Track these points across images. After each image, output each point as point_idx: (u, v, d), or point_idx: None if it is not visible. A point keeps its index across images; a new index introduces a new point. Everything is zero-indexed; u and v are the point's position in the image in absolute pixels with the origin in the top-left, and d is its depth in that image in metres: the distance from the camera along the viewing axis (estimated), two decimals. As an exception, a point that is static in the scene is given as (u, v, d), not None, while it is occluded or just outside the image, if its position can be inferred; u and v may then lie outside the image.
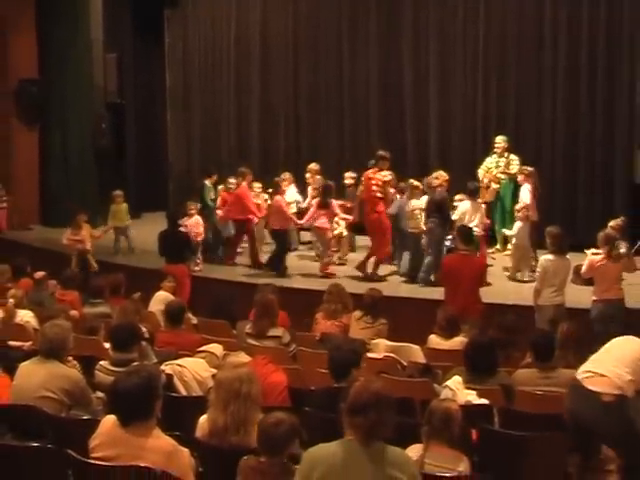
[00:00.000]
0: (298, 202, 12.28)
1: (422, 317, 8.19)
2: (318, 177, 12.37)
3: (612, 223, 9.19)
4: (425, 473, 3.97)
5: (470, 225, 9.79)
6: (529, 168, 10.99)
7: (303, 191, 12.57)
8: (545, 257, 8.29)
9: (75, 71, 14.68)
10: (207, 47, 16.12)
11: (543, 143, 12.79)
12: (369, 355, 6.31)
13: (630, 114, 12.13)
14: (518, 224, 10.48)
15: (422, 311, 8.86)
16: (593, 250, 8.25)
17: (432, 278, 10.16)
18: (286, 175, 12.18)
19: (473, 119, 13.43)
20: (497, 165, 11.55)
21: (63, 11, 14.52)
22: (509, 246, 11.00)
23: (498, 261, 11.33)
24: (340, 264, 11.53)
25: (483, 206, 10.97)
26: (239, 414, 4.20)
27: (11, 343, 6.54)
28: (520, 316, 7.92)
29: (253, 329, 6.76)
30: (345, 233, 11.82)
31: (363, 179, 11.08)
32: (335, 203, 11.07)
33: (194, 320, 8.07)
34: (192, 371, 5.56)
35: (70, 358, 5.36)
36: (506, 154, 11.53)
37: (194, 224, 11.42)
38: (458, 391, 5.28)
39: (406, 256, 10.88)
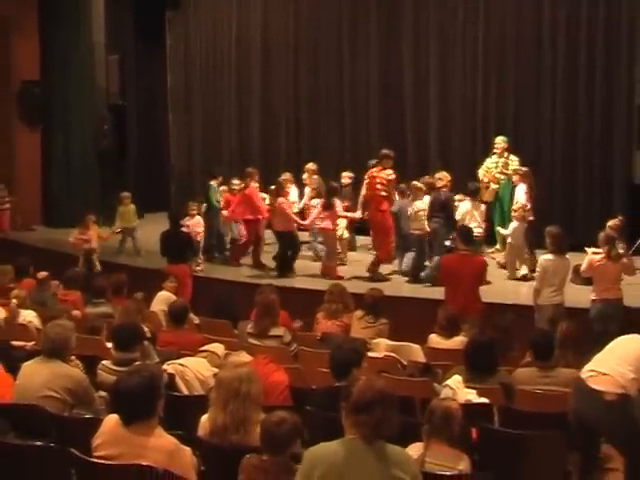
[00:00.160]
0: (296, 203, 12.30)
1: (423, 317, 8.20)
2: (315, 177, 12.38)
3: (610, 223, 9.20)
4: (426, 472, 3.98)
5: (470, 225, 9.83)
6: (524, 168, 11.04)
7: (302, 192, 12.60)
8: (545, 257, 8.30)
9: (77, 73, 14.74)
10: (208, 49, 16.16)
11: (542, 143, 12.81)
12: (370, 354, 6.33)
13: (629, 115, 12.14)
14: (514, 224, 10.53)
15: (423, 311, 8.87)
16: (594, 249, 8.27)
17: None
18: (287, 175, 12.20)
19: (473, 120, 13.46)
20: (497, 166, 11.58)
21: (66, 14, 14.59)
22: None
23: (498, 260, 11.35)
24: (340, 264, 11.54)
25: (483, 206, 11.01)
26: (238, 413, 4.22)
27: (14, 343, 6.56)
28: (520, 315, 7.96)
29: (254, 329, 6.78)
30: (346, 235, 11.85)
31: (367, 177, 11.04)
32: (338, 204, 11.11)
33: (196, 320, 8.09)
34: (194, 370, 5.57)
35: (73, 358, 5.38)
36: (506, 154, 11.55)
37: (195, 224, 11.47)
38: (458, 390, 5.29)
39: (409, 256, 10.92)
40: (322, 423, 4.65)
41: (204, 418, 4.40)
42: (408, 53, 13.91)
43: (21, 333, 7.03)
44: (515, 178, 11.05)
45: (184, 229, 11.05)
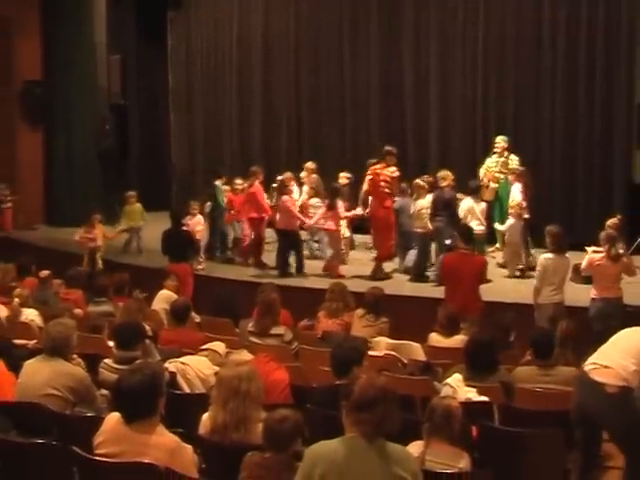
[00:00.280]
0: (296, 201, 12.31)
1: (423, 315, 8.21)
2: (314, 176, 12.39)
3: (609, 222, 9.21)
4: (426, 470, 3.99)
5: (471, 224, 9.85)
6: (520, 168, 11.09)
7: (301, 191, 12.61)
8: (545, 256, 8.31)
9: (79, 73, 14.76)
10: (209, 49, 16.18)
11: (542, 143, 12.83)
12: (370, 353, 6.35)
13: (628, 114, 12.16)
14: (510, 221, 10.58)
15: (423, 309, 8.88)
16: (594, 248, 8.28)
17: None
18: (288, 174, 12.20)
19: (473, 120, 13.48)
20: (497, 165, 11.60)
21: (67, 14, 14.61)
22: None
23: (497, 260, 11.37)
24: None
25: (484, 204, 11.04)
26: (238, 412, 4.23)
27: (16, 341, 6.57)
28: (520, 314, 7.98)
29: (256, 327, 6.80)
30: (347, 234, 11.86)
31: (370, 174, 10.96)
32: (340, 205, 11.13)
33: (197, 318, 8.11)
34: (195, 369, 5.59)
35: (75, 356, 5.40)
36: (506, 154, 11.57)
37: (195, 223, 11.49)
38: (458, 388, 5.30)
39: (411, 253, 10.93)
40: (323, 421, 4.66)
41: (205, 416, 4.41)
42: (408, 53, 13.93)
43: (23, 331, 7.05)
44: (511, 177, 11.11)
45: (185, 228, 11.07)
